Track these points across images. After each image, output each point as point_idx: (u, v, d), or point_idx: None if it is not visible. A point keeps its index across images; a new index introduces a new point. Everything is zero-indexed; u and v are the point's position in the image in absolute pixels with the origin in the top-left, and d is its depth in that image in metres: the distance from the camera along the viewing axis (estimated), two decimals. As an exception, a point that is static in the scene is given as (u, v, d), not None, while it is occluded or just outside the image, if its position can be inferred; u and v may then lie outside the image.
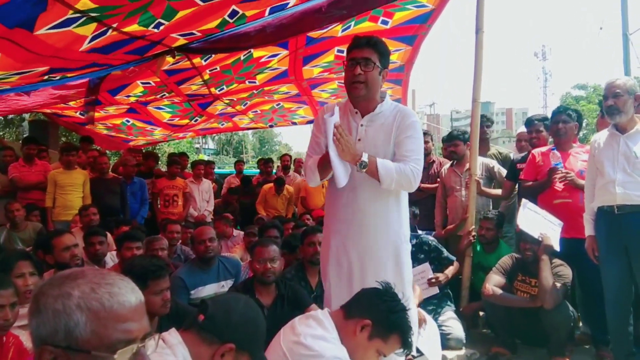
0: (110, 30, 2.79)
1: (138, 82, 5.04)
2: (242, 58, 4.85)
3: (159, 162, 8.28)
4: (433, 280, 3.82)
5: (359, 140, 2.40)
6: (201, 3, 2.96)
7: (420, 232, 4.15)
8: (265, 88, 6.37)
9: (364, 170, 2.26)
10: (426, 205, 4.83)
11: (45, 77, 3.41)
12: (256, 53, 4.78)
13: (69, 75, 3.57)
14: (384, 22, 4.46)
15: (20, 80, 3.26)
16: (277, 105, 7.16)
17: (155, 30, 3.06)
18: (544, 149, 4.03)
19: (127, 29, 2.88)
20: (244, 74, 5.24)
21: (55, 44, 2.67)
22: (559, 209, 3.64)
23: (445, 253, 4.02)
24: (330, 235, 2.54)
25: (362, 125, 2.42)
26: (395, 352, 2.07)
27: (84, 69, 3.48)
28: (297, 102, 7.01)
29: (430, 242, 4.01)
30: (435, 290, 3.85)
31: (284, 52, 4.83)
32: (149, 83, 5.13)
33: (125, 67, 3.71)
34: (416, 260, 3.90)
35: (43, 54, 2.74)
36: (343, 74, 2.47)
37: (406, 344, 2.01)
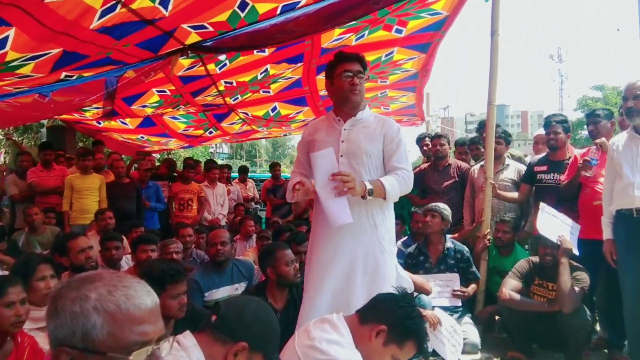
0: (119, 6, 2.80)
1: (153, 90, 5.09)
2: (258, 77, 4.95)
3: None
4: (459, 293, 3.80)
5: (342, 141, 2.62)
6: None
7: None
8: (282, 112, 6.50)
9: (372, 196, 2.45)
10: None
11: (62, 75, 3.44)
12: (272, 70, 4.85)
13: (85, 74, 3.60)
14: (398, 31, 4.43)
15: (36, 68, 3.26)
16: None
17: (163, 9, 3.03)
18: (584, 150, 3.92)
19: (134, 5, 2.88)
20: (258, 83, 5.27)
21: (66, 15, 2.67)
22: (599, 210, 3.46)
23: (474, 268, 3.99)
24: (315, 239, 2.71)
25: (345, 129, 2.65)
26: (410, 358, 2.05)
27: (98, 67, 3.49)
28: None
29: (465, 252, 3.98)
30: (458, 302, 3.82)
31: (299, 65, 4.85)
32: (164, 91, 5.17)
33: (140, 65, 3.73)
34: (444, 263, 3.89)
35: (55, 29, 2.75)
36: None
37: (422, 351, 2.00)
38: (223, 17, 3.33)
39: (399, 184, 2.52)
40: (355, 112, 2.65)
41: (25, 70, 3.25)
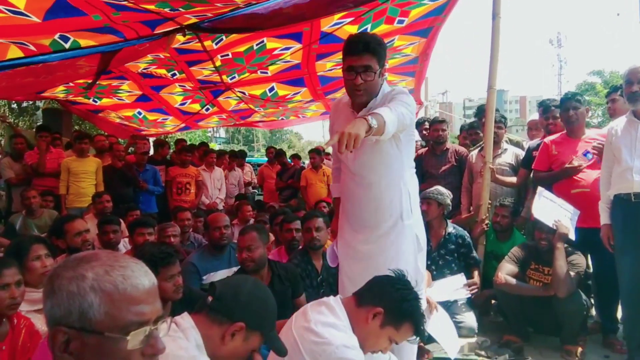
0: (125, 1, 2.78)
1: (148, 55, 5.02)
2: (255, 47, 4.83)
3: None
4: (474, 289, 3.82)
5: None
6: (220, 5, 2.97)
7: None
8: (280, 92, 6.42)
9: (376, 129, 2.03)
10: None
11: (56, 35, 3.36)
12: (269, 44, 4.75)
13: (79, 39, 3.53)
14: (400, 22, 4.39)
15: (29, 6, 3.18)
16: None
17: (170, 11, 3.06)
18: (555, 136, 3.97)
19: (143, 5, 2.88)
20: (256, 64, 5.22)
21: None
22: (577, 199, 3.58)
23: (474, 253, 3.99)
24: (341, 215, 2.65)
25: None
26: (407, 339, 2.06)
27: (95, 33, 3.42)
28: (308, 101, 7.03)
29: (465, 237, 3.99)
30: (467, 293, 3.80)
31: (298, 46, 4.78)
32: (158, 55, 5.10)
33: (136, 42, 3.69)
34: (444, 248, 3.91)
35: None
36: None
37: (419, 332, 2.00)
38: (226, 9, 3.32)
39: (391, 112, 2.08)
40: (369, 101, 2.38)
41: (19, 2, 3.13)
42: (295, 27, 4.31)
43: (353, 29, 4.37)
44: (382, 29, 4.44)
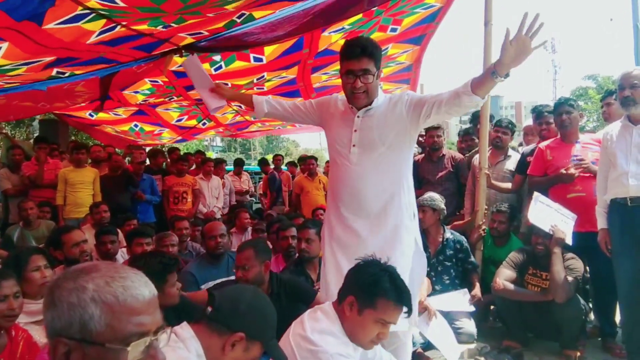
0: (118, 27, 2.81)
1: (146, 79, 5.06)
2: (255, 81, 4.95)
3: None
4: (477, 299, 3.82)
5: (355, 130, 2.46)
6: (212, 16, 2.99)
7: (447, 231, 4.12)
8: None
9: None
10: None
11: (54, 71, 3.42)
12: (269, 76, 4.86)
13: (77, 72, 3.58)
14: (393, 30, 4.43)
15: (28, 71, 3.26)
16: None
17: (164, 29, 3.08)
18: (550, 142, 3.98)
19: (136, 27, 2.90)
20: (253, 84, 5.28)
21: (64, 38, 2.68)
22: (573, 203, 3.59)
23: (472, 258, 4.00)
24: (329, 210, 2.62)
25: (358, 116, 2.48)
26: (400, 317, 2.00)
27: (91, 65, 3.48)
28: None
29: (463, 242, 4.00)
30: (472, 307, 3.79)
31: (294, 68, 4.84)
32: (156, 81, 5.15)
33: (133, 64, 3.72)
34: (442, 254, 3.91)
35: (51, 46, 2.76)
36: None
37: (400, 301, 1.95)
38: (220, 25, 3.34)
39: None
40: (369, 102, 2.45)
41: (17, 72, 3.24)
42: (295, 57, 4.37)
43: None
44: (375, 36, 4.47)
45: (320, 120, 2.68)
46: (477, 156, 4.70)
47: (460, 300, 3.80)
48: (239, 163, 8.99)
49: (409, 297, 2.00)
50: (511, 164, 4.53)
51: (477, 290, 3.87)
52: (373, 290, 1.93)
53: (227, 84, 5.02)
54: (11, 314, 2.16)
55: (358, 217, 2.47)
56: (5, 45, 2.67)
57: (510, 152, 4.64)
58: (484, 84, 2.19)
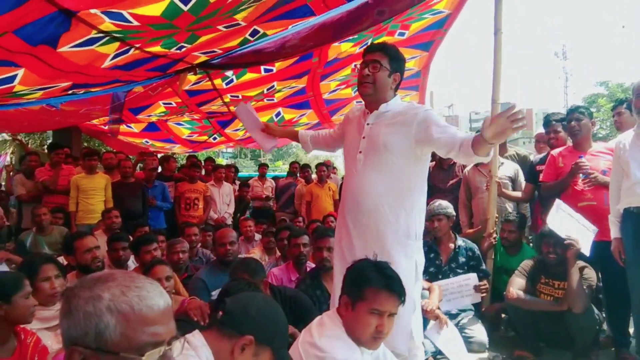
0: (132, 50, 2.84)
1: (160, 102, 5.13)
2: (265, 92, 5.02)
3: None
4: (482, 288, 3.80)
5: (364, 137, 2.48)
6: (224, 29, 3.02)
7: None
8: (286, 117, 6.54)
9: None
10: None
11: (70, 92, 3.48)
12: (279, 86, 4.91)
13: (92, 90, 3.64)
14: (401, 34, 4.46)
15: (44, 95, 3.33)
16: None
17: (178, 51, 3.12)
18: (562, 149, 3.96)
19: (149, 49, 2.93)
20: (263, 95, 5.32)
21: (79, 61, 2.72)
22: (584, 212, 3.55)
23: (484, 266, 3.99)
24: (339, 217, 2.65)
25: (368, 123, 2.49)
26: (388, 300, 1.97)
27: (107, 85, 3.54)
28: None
29: (475, 249, 3.98)
30: (478, 298, 3.80)
31: (304, 77, 4.87)
32: (170, 104, 5.22)
33: (148, 82, 3.77)
34: (455, 261, 3.90)
35: (66, 70, 2.80)
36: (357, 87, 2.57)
37: (385, 287, 1.95)
38: (234, 43, 3.37)
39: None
40: (378, 105, 2.47)
41: (34, 96, 3.30)
42: (305, 65, 4.40)
43: (354, 49, 4.42)
44: (384, 40, 4.49)
45: (342, 134, 2.77)
46: (467, 168, 4.69)
47: (467, 285, 3.78)
48: (263, 168, 8.54)
49: (398, 282, 1.99)
50: (508, 170, 4.51)
51: (486, 299, 3.86)
52: (358, 282, 1.98)
53: (237, 96, 5.08)
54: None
55: (355, 228, 2.49)
56: (21, 71, 2.72)
57: (502, 159, 4.57)
58: (480, 146, 2.14)
